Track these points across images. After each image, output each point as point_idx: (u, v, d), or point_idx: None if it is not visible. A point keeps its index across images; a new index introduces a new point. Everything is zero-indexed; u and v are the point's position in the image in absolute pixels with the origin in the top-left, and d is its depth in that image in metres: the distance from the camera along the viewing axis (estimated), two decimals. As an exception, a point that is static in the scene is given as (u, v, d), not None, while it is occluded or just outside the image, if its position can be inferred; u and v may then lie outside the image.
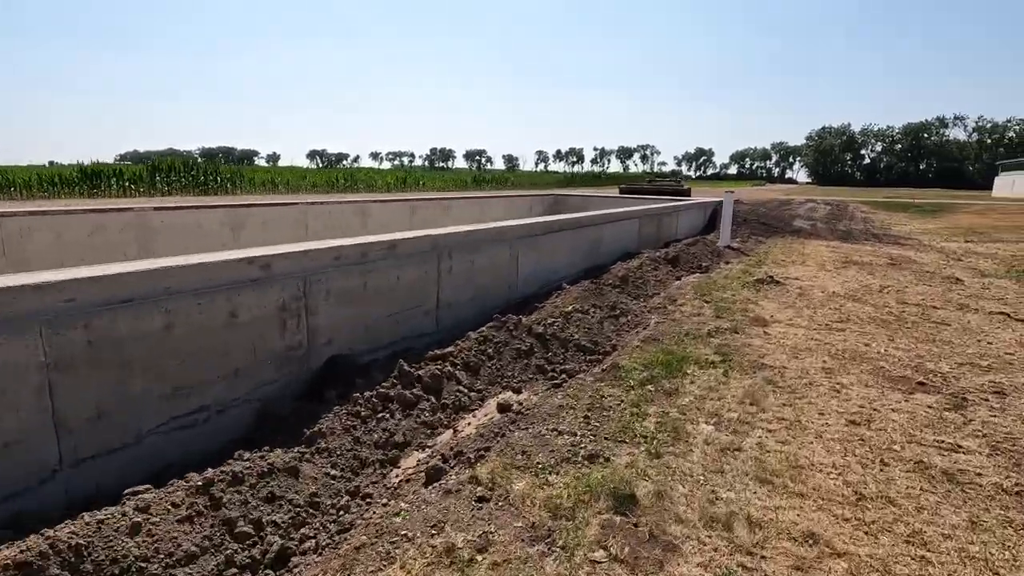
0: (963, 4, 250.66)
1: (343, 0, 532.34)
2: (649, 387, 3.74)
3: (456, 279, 4.83)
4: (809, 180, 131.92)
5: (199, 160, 24.58)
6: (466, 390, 3.71)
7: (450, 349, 4.04)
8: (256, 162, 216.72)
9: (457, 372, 3.81)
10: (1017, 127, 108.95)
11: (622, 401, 3.50)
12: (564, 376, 4.04)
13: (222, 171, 24.01)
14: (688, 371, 4.08)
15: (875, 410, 3.54)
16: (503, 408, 3.40)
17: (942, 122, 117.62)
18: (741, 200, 19.36)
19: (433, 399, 3.50)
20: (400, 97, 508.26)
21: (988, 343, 5.03)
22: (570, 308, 5.32)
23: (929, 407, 3.61)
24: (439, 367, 3.76)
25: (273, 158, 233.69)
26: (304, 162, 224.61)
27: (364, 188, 30.07)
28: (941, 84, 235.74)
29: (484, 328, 4.45)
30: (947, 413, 3.53)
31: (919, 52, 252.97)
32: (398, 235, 4.34)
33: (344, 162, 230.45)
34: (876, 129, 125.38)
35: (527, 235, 5.96)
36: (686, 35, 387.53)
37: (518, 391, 3.82)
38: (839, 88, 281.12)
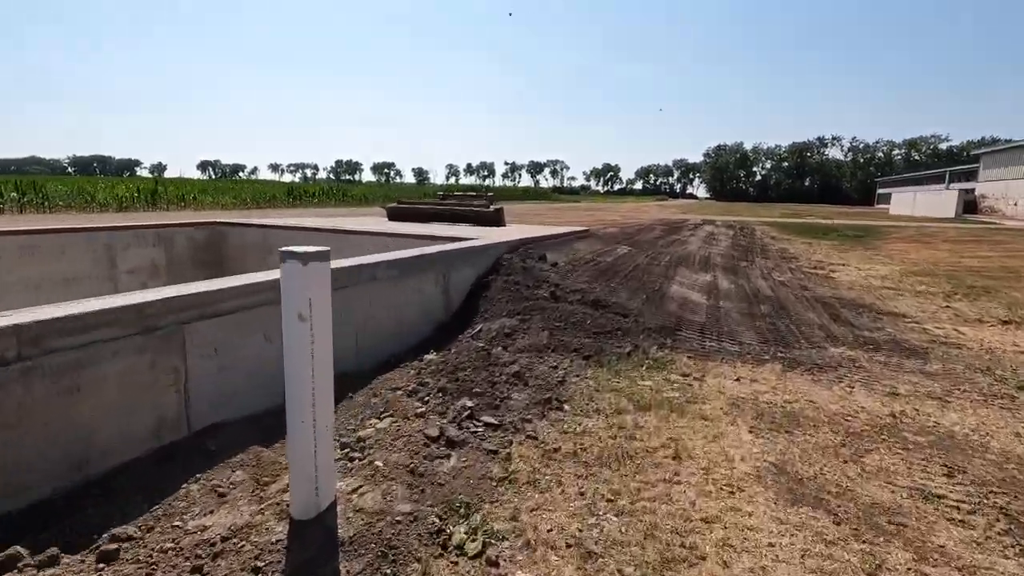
0: (833, 38, 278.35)
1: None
2: None
3: None
4: (708, 195, 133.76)
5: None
6: None
7: None
8: (138, 172, 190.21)
9: None
10: (884, 148, 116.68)
11: None
12: None
13: None
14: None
15: None
16: None
17: (822, 142, 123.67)
18: (594, 232, 11.22)
19: None
20: (309, 108, 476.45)
21: None
22: None
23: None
24: None
25: (158, 168, 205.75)
26: (195, 173, 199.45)
27: (79, 204, 19.49)
28: (821, 105, 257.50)
29: None
30: None
31: (800, 75, 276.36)
32: None
33: (240, 173, 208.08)
34: (766, 148, 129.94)
35: None
36: (593, 59, 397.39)
37: None
38: (733, 107, 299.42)
